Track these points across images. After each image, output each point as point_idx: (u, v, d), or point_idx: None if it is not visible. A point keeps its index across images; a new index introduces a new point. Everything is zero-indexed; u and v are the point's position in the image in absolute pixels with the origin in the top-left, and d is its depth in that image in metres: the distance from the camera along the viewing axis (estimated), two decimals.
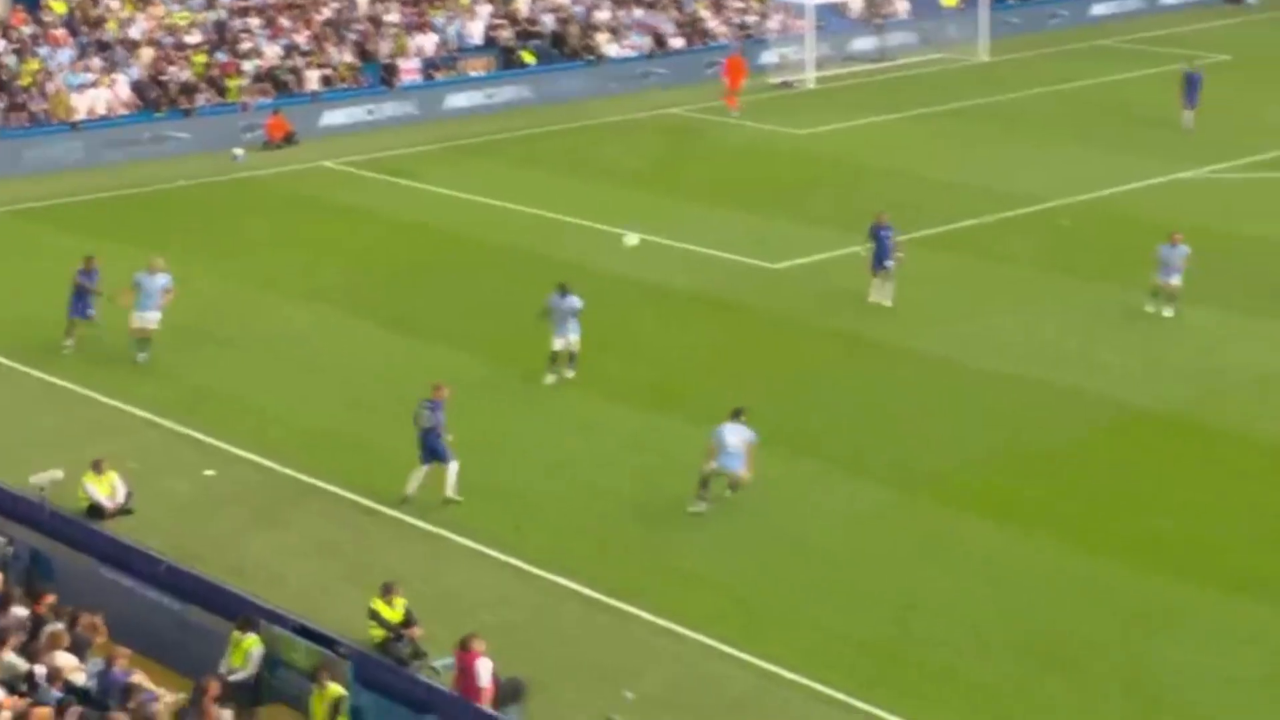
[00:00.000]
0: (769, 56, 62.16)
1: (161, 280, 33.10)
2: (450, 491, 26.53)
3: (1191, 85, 51.86)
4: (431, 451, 26.55)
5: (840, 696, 21.43)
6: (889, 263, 35.62)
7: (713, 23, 63.83)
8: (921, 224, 41.12)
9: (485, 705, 19.35)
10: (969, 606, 23.73)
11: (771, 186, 46.47)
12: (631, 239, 37.14)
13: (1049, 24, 71.02)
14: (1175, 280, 34.70)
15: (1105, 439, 29.51)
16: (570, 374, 31.46)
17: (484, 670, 19.73)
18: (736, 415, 26.47)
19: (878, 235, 35.75)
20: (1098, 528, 26.04)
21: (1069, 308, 35.99)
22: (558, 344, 31.53)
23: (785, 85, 60.10)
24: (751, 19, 64.82)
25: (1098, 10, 73.52)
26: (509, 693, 20.09)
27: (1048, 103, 56.91)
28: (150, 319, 32.90)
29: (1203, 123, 51.73)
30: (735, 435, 26.14)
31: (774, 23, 64.56)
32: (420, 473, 26.65)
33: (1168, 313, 34.58)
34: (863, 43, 65.86)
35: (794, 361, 33.26)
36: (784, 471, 27.67)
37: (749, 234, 41.50)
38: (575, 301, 31.45)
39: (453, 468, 26.51)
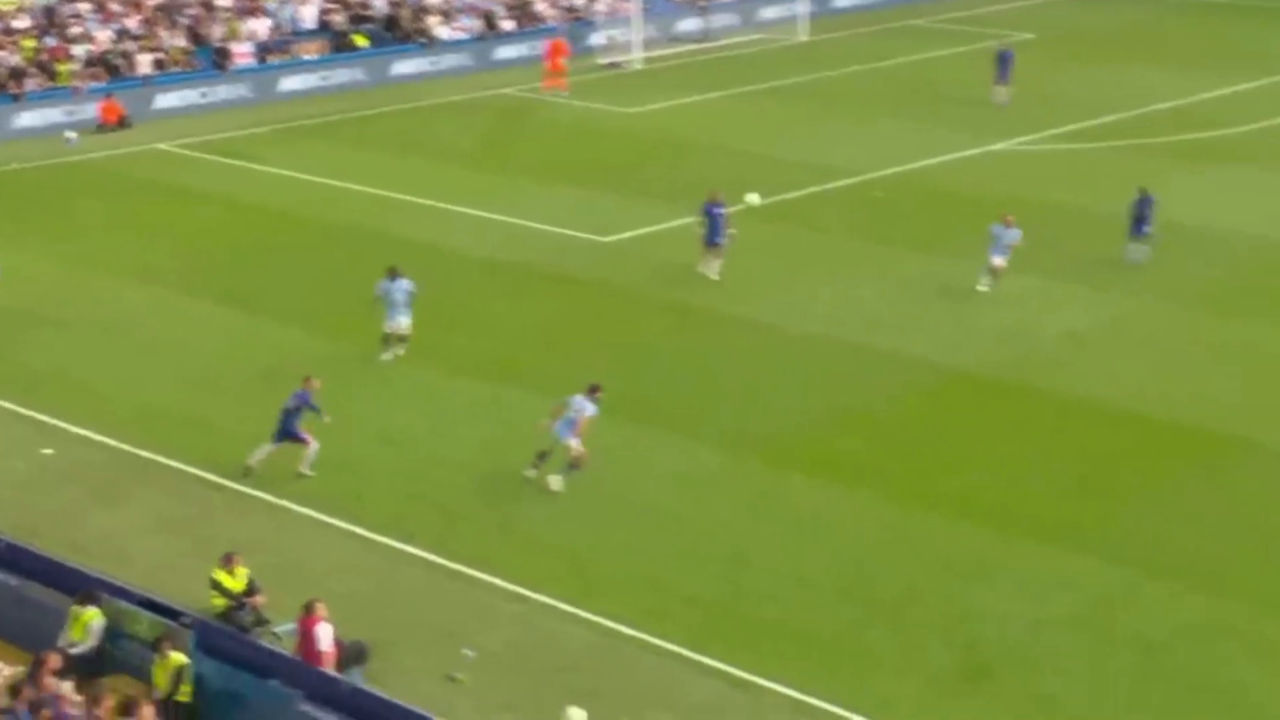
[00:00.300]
0: (597, 38, 62.12)
1: None
2: (305, 467, 26.20)
3: (1004, 63, 52.78)
4: (285, 433, 26.20)
5: (675, 649, 21.55)
6: (720, 239, 35.78)
7: (542, 5, 63.61)
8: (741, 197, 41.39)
9: (328, 668, 19.16)
10: (796, 561, 23.99)
11: (601, 163, 46.48)
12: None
13: (865, 4, 71.86)
14: (999, 260, 34.87)
15: (923, 399, 29.98)
16: (400, 352, 31.09)
17: (325, 635, 19.53)
18: (591, 391, 26.29)
19: (710, 213, 35.88)
20: (917, 483, 26.46)
21: (886, 275, 36.48)
22: (389, 327, 31.14)
23: (613, 66, 60.13)
24: (580, 2, 64.71)
25: None
26: (351, 655, 19.93)
27: (863, 80, 57.61)
28: None
29: (1011, 98, 52.71)
30: (576, 407, 26.02)
31: (601, 5, 64.54)
32: (268, 448, 26.28)
33: (982, 287, 34.82)
34: (687, 24, 66.11)
35: (627, 331, 33.33)
36: (621, 438, 27.68)
37: (580, 209, 41.49)
38: (406, 284, 31.09)
39: (313, 447, 26.18)
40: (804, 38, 64.36)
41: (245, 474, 26.23)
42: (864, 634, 22.19)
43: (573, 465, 25.88)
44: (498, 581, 23.26)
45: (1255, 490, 26.25)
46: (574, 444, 25.79)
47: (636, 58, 60.37)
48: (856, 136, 49.13)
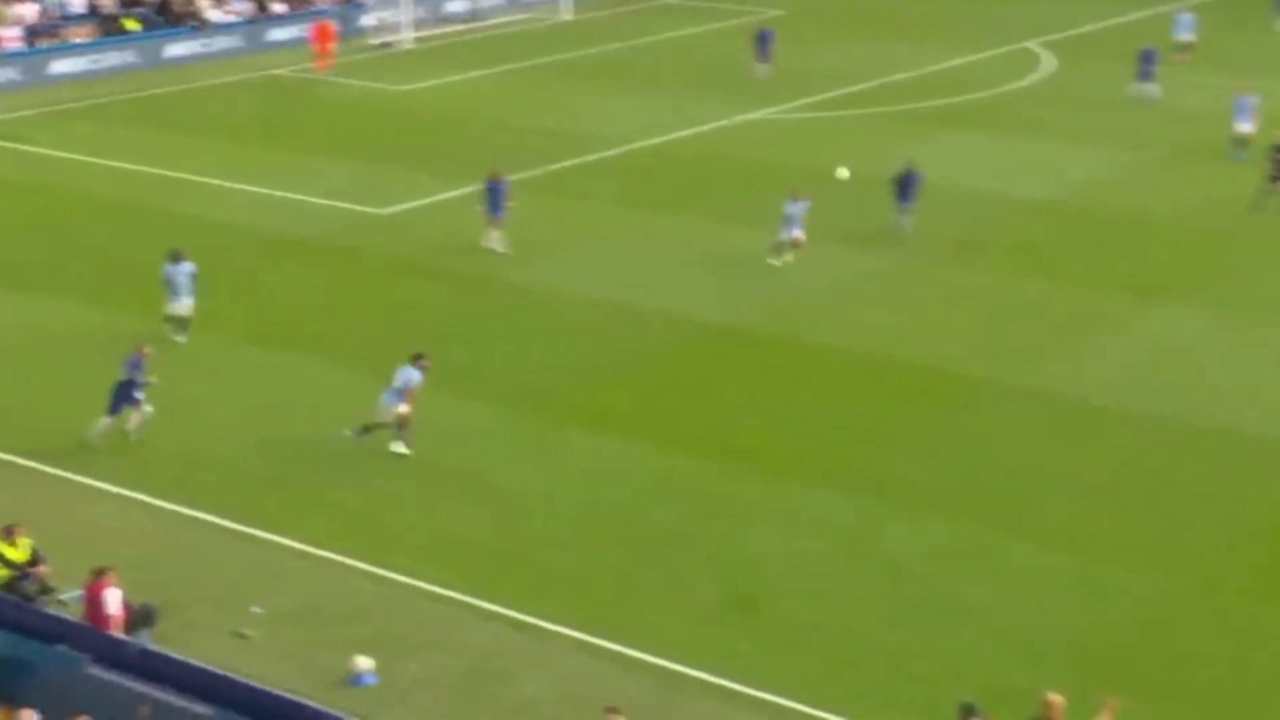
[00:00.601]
0: (368, 19, 61.49)
1: None
2: (132, 424, 25.85)
3: (763, 41, 53.40)
4: (121, 401, 25.68)
5: (458, 596, 21.71)
6: (501, 213, 35.67)
7: None
8: (516, 168, 41.47)
9: (116, 631, 18.91)
10: (571, 508, 24.33)
11: (377, 140, 46.14)
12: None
13: None
14: (798, 233, 34.80)
15: (688, 354, 30.53)
16: (182, 339, 30.45)
17: (112, 599, 19.26)
18: (416, 359, 26.08)
19: (491, 187, 35.77)
20: (682, 432, 26.97)
21: (652, 239, 36.96)
22: (171, 309, 30.54)
23: (385, 46, 59.65)
24: None
25: None
26: (139, 618, 19.68)
27: (626, 56, 58.04)
28: None
29: (771, 74, 53.65)
30: (403, 377, 25.90)
31: None
32: (106, 422, 25.72)
33: (774, 261, 34.79)
34: (456, 5, 65.72)
35: (405, 298, 33.28)
36: (450, 407, 27.81)
37: (359, 184, 41.18)
38: (189, 267, 30.54)
39: (145, 411, 25.78)
40: (567, 17, 64.59)
41: (82, 448, 25.59)
42: (637, 574, 22.60)
43: (401, 426, 25.75)
44: (283, 540, 23.16)
45: (991, 425, 27.30)
46: (402, 408, 25.68)
47: (407, 38, 59.96)
48: (621, 109, 49.53)
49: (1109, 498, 24.60)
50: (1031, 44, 58.43)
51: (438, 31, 62.06)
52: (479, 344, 30.81)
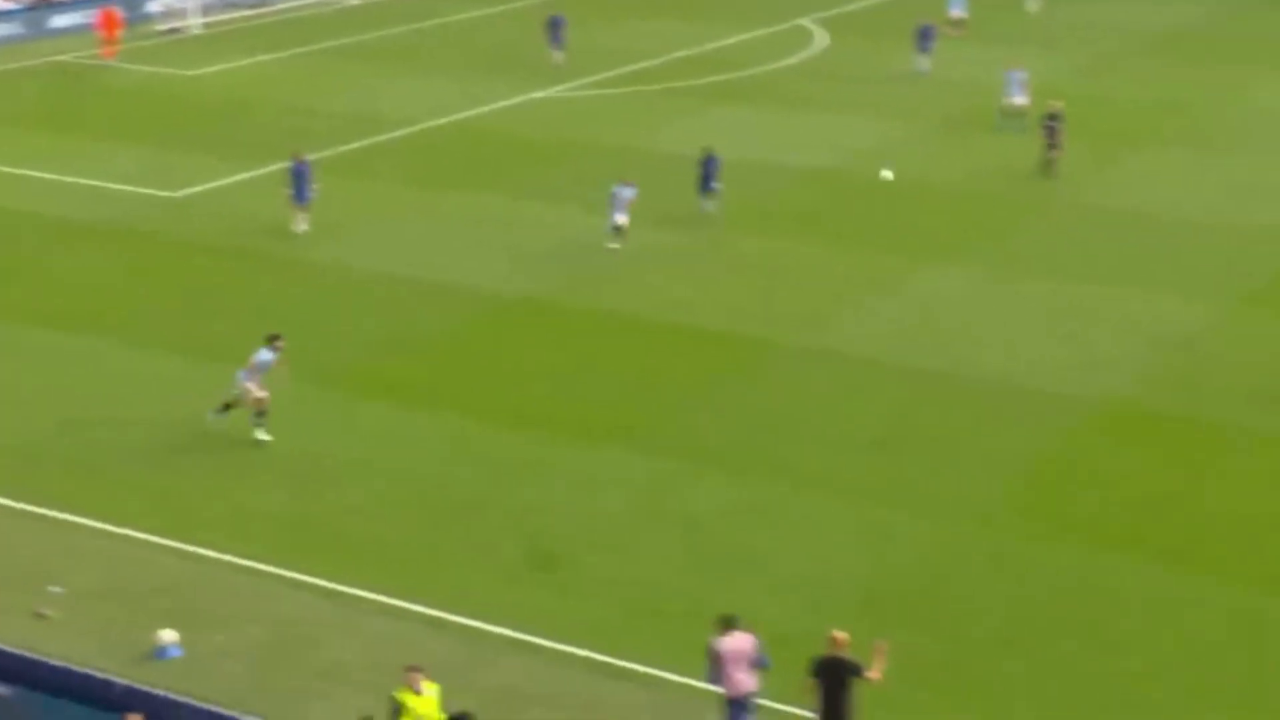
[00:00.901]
0: (154, 5, 59.80)
1: None
2: None
3: (555, 26, 52.57)
4: None
5: (264, 568, 21.32)
6: (308, 196, 34.87)
7: None
8: (306, 150, 40.74)
9: None
10: (371, 477, 24.03)
11: (167, 124, 44.96)
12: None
13: None
14: (621, 218, 33.96)
15: (480, 324, 30.36)
16: None
17: None
18: (270, 340, 25.29)
19: (297, 171, 34.94)
20: (479, 400, 26.84)
21: (442, 216, 36.67)
22: None
23: (173, 31, 58.17)
24: None
25: None
26: None
27: (413, 39, 57.39)
28: None
29: (542, 48, 53.53)
30: (259, 359, 25.16)
31: None
32: None
33: (613, 245, 34.14)
34: None
35: (198, 279, 32.52)
36: (194, 376, 27.21)
37: (150, 168, 40.09)
38: None
39: None
40: (354, 1, 63.64)
41: None
42: (439, 538, 22.44)
43: (259, 412, 25.03)
44: (83, 520, 22.49)
45: (776, 385, 27.67)
46: (252, 388, 24.98)
47: (195, 23, 58.51)
48: (409, 91, 48.97)
49: (888, 449, 25.12)
50: (805, 21, 59.24)
51: (225, 16, 60.67)
52: (272, 321, 30.03)
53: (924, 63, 49.55)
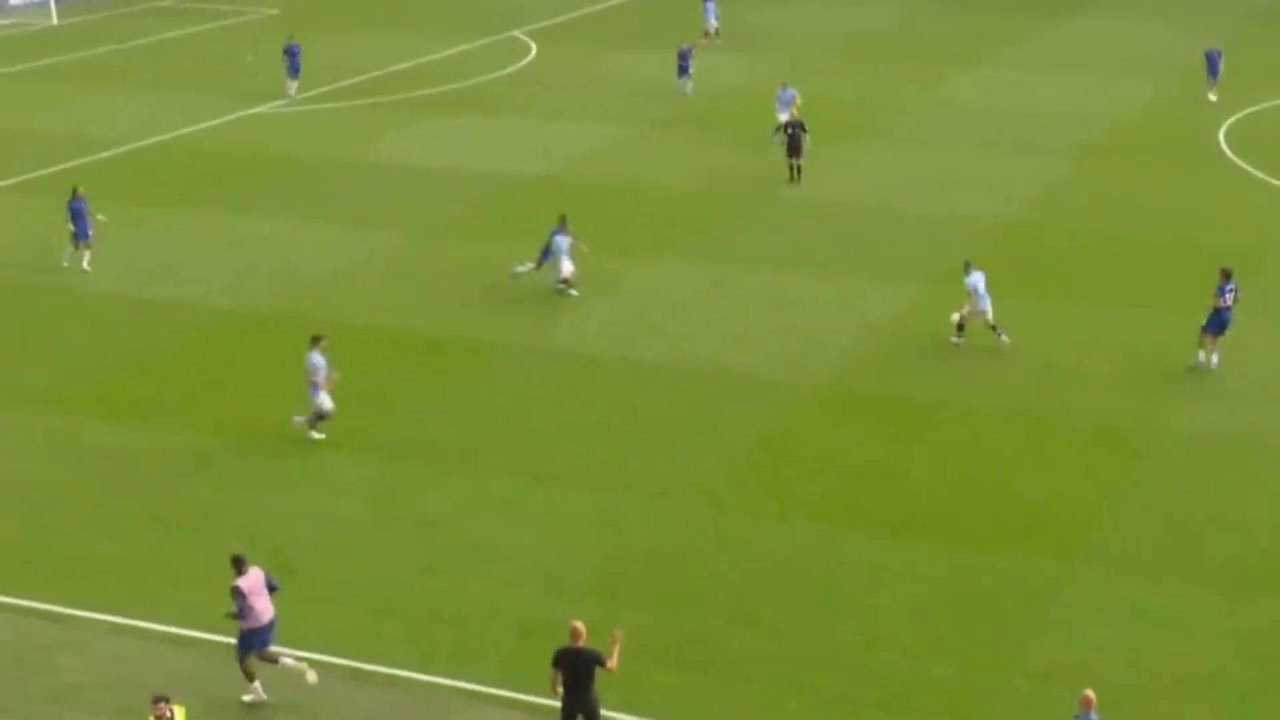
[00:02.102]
0: None
1: None
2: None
3: (292, 54, 50.00)
4: None
5: None
6: (89, 232, 33.22)
7: None
8: (20, 171, 39.53)
9: None
10: (97, 497, 23.42)
11: None
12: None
13: None
14: (568, 267, 31.71)
15: (206, 340, 29.76)
16: None
17: None
18: (315, 341, 25.21)
19: (75, 207, 33.13)
20: (203, 414, 26.31)
21: (162, 231, 35.81)
22: None
23: None
24: None
25: None
26: None
27: (121, 58, 55.76)
28: None
29: (262, 65, 52.61)
30: (310, 361, 25.08)
31: None
32: None
33: (569, 290, 32.31)
34: None
35: None
36: None
37: None
38: None
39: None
40: (55, 21, 61.56)
41: None
42: (170, 552, 21.93)
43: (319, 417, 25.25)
44: None
45: (503, 384, 27.80)
46: (323, 399, 25.02)
47: None
48: (121, 109, 47.60)
49: (615, 439, 25.50)
50: (518, 33, 59.55)
51: None
52: None
53: (687, 86, 49.41)
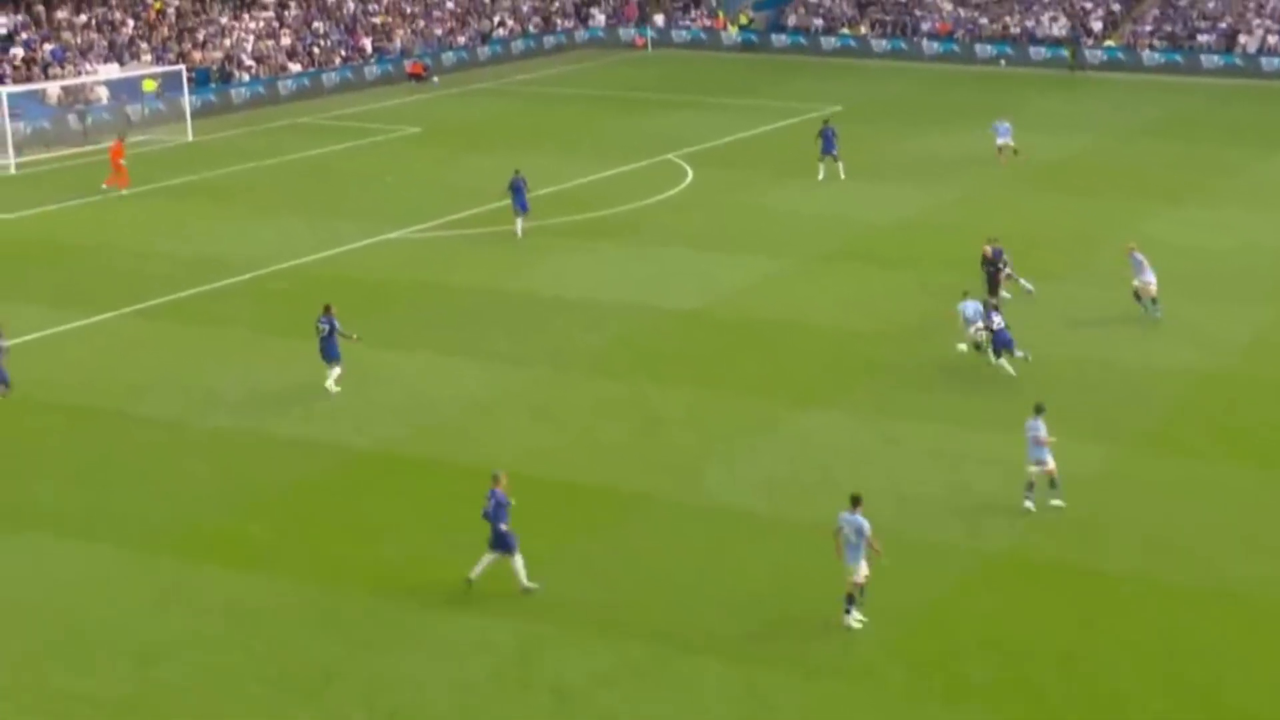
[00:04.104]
0: None
1: None
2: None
3: (518, 191, 49.75)
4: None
5: None
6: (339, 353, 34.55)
7: None
8: (143, 296, 40.86)
9: None
10: (211, 652, 23.69)
11: None
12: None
13: (249, 103, 72.11)
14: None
15: (331, 481, 30.21)
16: None
17: None
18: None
19: (325, 325, 34.59)
20: (329, 563, 26.63)
21: (289, 365, 36.58)
22: None
23: None
24: None
25: (300, 90, 75.19)
26: None
27: (257, 177, 57.66)
28: None
29: (401, 187, 54.02)
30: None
31: None
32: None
33: None
34: (64, 127, 64.30)
35: (15, 437, 32.11)
36: (8, 544, 26.76)
37: None
38: None
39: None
40: (190, 138, 63.89)
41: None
42: (287, 715, 22.13)
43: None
44: None
45: (651, 539, 27.80)
46: None
47: (9, 163, 58.29)
48: (253, 232, 49.07)
49: (767, 607, 25.18)
50: (673, 156, 60.40)
51: (42, 156, 60.61)
52: (100, 482, 29.94)
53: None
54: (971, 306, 36.21)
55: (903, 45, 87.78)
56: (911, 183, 55.68)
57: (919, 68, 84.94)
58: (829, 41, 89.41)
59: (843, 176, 55.38)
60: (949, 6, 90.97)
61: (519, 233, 47.14)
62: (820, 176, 55.41)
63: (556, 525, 28.26)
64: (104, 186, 54.47)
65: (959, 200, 53.14)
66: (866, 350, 37.71)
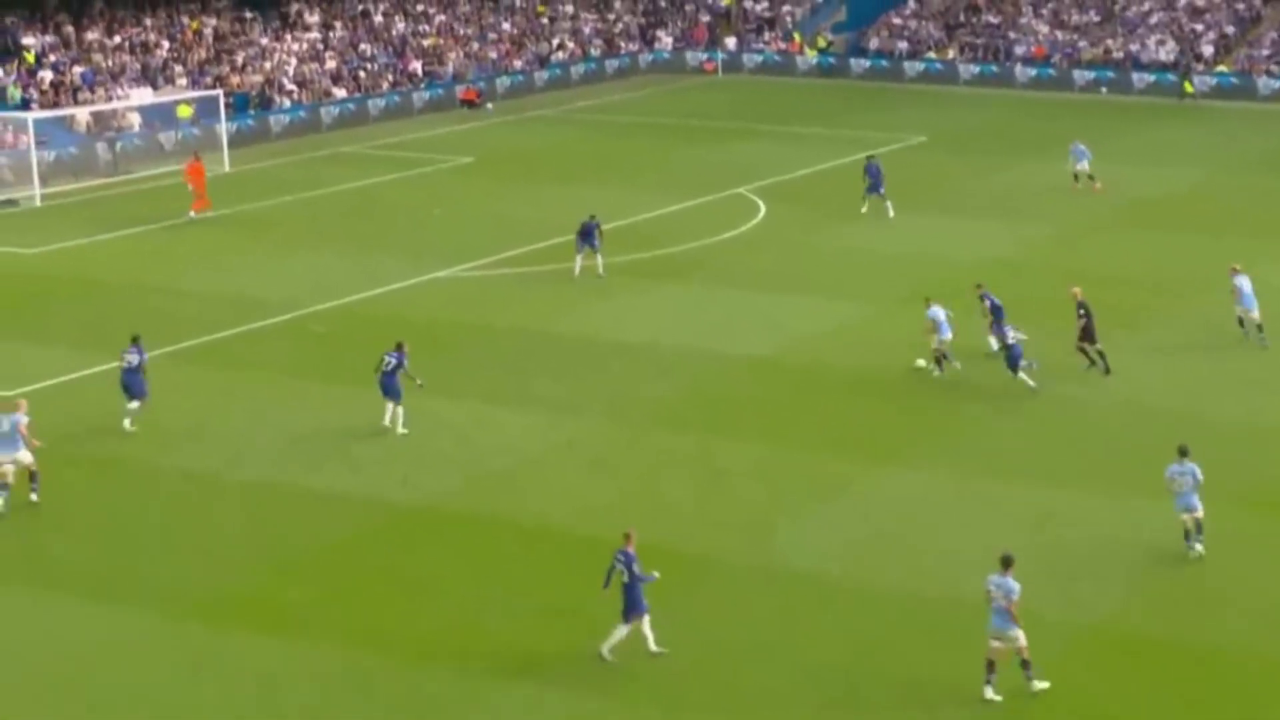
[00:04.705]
0: None
1: None
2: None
3: (588, 233, 50.66)
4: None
5: None
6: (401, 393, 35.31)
7: None
8: (175, 337, 41.22)
9: None
10: None
11: (1, 309, 45.23)
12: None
13: (289, 131, 72.89)
14: None
15: (374, 539, 30.39)
16: None
17: None
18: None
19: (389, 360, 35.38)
20: (373, 628, 26.77)
21: (327, 411, 36.84)
22: None
23: (9, 204, 58.77)
24: None
25: (345, 117, 75.92)
26: None
27: (296, 209, 58.22)
28: None
29: (451, 221, 54.39)
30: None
31: None
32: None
33: None
34: (92, 156, 65.14)
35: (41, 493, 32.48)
36: (26, 608, 27.13)
37: None
38: None
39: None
40: (227, 168, 64.56)
41: None
42: None
43: None
44: None
45: (716, 604, 27.76)
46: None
47: (34, 194, 59.10)
48: (292, 269, 49.51)
49: (842, 680, 25.14)
50: (745, 190, 60.53)
51: (70, 187, 61.43)
52: (127, 540, 30.19)
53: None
54: (943, 313, 38.55)
55: (994, 70, 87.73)
56: (1000, 219, 55.61)
57: (1011, 95, 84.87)
58: (913, 66, 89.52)
59: (891, 215, 55.39)
60: (1045, 29, 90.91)
61: (577, 270, 47.33)
62: (864, 209, 55.93)
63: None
64: (192, 215, 55.67)
65: (1052, 238, 52.99)
66: (948, 401, 37.57)
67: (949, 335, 38.55)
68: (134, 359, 35.36)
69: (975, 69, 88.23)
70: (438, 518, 31.28)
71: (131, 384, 35.30)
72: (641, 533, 30.05)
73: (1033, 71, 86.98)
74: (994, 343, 38.97)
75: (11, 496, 31.32)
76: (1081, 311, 39.08)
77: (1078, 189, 58.31)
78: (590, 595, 26.75)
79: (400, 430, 35.17)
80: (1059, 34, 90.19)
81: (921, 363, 39.07)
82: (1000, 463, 33.87)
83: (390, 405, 35.35)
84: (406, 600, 27.82)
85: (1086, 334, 39.10)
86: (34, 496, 31.70)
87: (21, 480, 31.57)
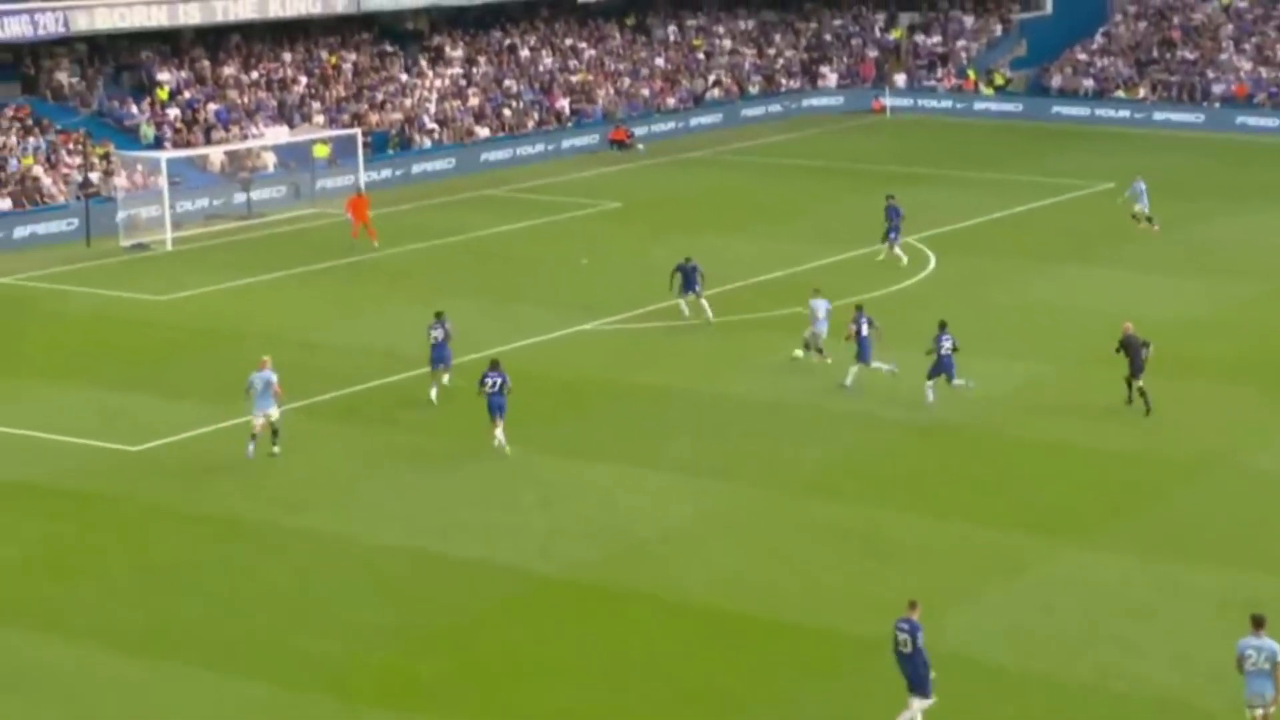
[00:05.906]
0: (118, 216, 61.80)
1: None
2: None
3: (688, 275, 51.00)
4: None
5: None
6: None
7: (47, 181, 63.11)
8: (306, 391, 41.79)
9: None
10: None
11: (129, 360, 46.18)
12: None
13: (434, 173, 73.86)
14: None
15: (512, 611, 30.55)
16: None
17: None
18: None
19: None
20: (510, 706, 26.92)
21: (462, 472, 37.16)
22: None
23: (139, 248, 59.99)
24: (94, 175, 64.33)
25: (489, 157, 76.80)
26: None
27: (435, 256, 58.91)
28: None
29: (598, 270, 54.71)
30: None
31: (121, 180, 64.33)
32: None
33: None
34: (227, 199, 66.39)
35: (157, 552, 33.08)
36: (147, 675, 27.46)
37: (102, 413, 41.04)
38: None
39: None
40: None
41: None
42: None
43: None
44: None
45: (879, 692, 27.52)
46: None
47: (166, 238, 60.33)
48: (428, 320, 49.82)
49: None
50: (915, 239, 60.22)
51: (203, 230, 62.64)
52: (254, 606, 30.59)
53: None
54: (823, 306, 44.29)
55: (1189, 111, 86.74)
56: (1199, 274, 54.94)
57: (1208, 137, 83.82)
58: (1101, 106, 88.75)
59: (902, 263, 55.87)
60: (1248, 65, 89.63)
61: (685, 311, 48.96)
62: (881, 258, 56.47)
63: (766, 670, 28.18)
64: (375, 245, 58.28)
65: (1257, 297, 52.19)
66: (1140, 475, 37.06)
67: (824, 330, 43.89)
68: (438, 334, 41.76)
69: (1169, 110, 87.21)
70: (579, 590, 31.39)
71: (441, 355, 41.67)
72: (795, 613, 30.15)
73: (1234, 112, 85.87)
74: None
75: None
76: (1125, 349, 40.07)
77: (1141, 230, 59.55)
78: (732, 678, 26.68)
79: (501, 445, 37.66)
80: (1264, 71, 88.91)
81: (799, 353, 44.17)
82: (1199, 545, 33.21)
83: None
84: (541, 677, 27.93)
85: (1134, 369, 39.97)
86: (275, 449, 37.36)
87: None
